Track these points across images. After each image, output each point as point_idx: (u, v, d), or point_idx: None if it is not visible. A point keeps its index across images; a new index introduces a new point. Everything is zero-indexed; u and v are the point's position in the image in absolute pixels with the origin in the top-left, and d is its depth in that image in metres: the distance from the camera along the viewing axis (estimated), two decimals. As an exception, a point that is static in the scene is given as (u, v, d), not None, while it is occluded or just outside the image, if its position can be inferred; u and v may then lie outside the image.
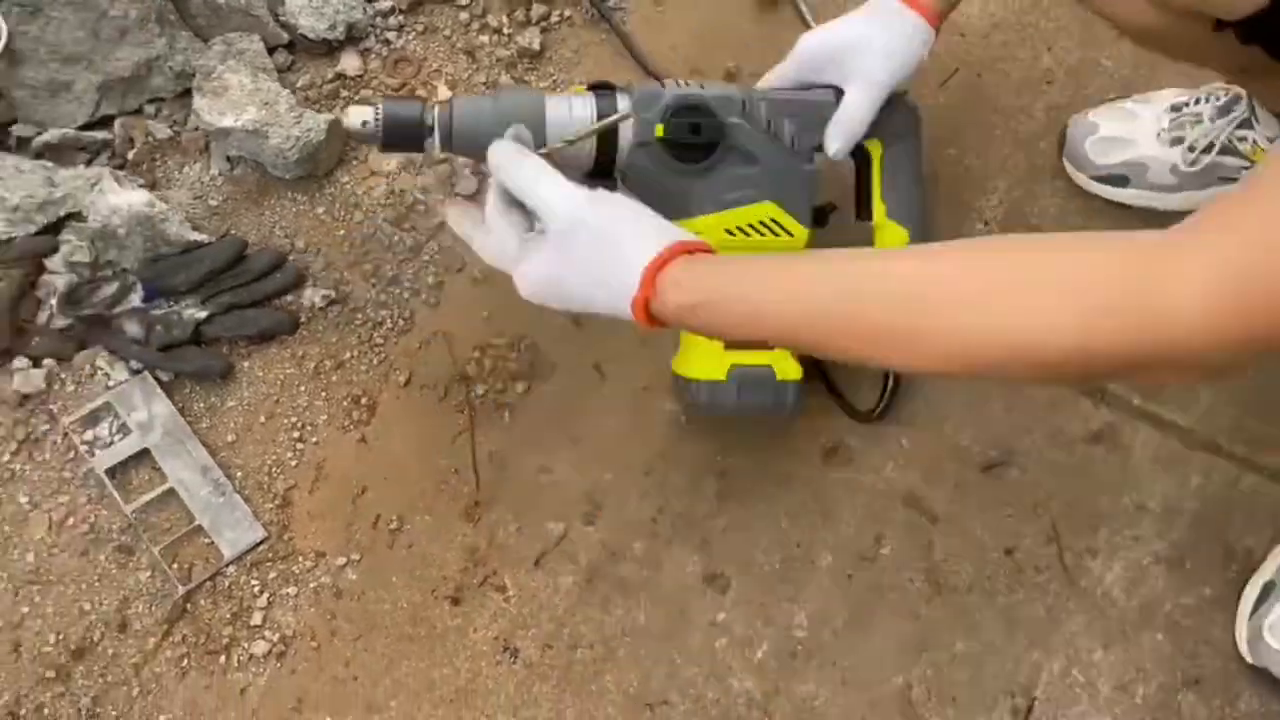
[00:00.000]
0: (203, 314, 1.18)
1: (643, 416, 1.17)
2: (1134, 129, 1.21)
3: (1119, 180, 1.21)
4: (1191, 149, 1.16)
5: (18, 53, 1.24)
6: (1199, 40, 0.89)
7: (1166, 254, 0.57)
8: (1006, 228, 1.24)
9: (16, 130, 1.25)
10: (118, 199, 1.17)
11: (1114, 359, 0.57)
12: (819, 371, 1.15)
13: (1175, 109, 1.19)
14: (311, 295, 1.21)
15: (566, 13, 1.37)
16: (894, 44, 0.98)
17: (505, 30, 1.35)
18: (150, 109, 1.30)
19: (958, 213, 1.25)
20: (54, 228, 1.21)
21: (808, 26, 1.31)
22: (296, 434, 1.17)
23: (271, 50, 1.32)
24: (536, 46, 1.34)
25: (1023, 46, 1.32)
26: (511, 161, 0.85)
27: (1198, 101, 1.18)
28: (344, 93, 1.32)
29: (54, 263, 1.20)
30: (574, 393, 1.19)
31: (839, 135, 1.01)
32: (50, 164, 1.23)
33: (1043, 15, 1.34)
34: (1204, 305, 0.54)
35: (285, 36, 1.33)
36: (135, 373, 1.17)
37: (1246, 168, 1.15)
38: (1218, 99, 1.16)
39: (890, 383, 1.14)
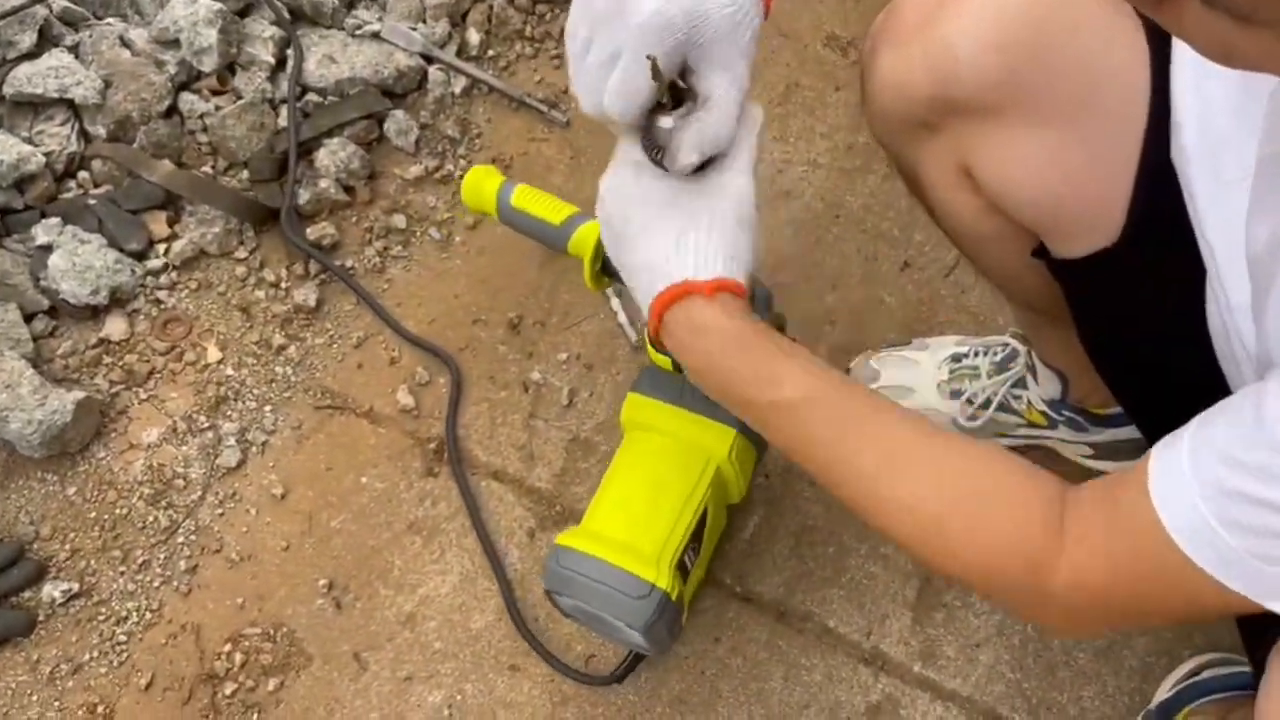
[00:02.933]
0: (-73, 619, 1.10)
1: (404, 714, 1.08)
2: (915, 377, 1.17)
3: (902, 430, 1.16)
4: (970, 402, 1.12)
5: None
6: (1012, 258, 0.84)
7: (1053, 544, 0.62)
8: (785, 480, 1.18)
9: None
10: None
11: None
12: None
13: (955, 359, 1.15)
14: (51, 590, 1.13)
15: (349, 263, 1.33)
16: (736, 14, 0.69)
17: (283, 284, 1.31)
18: (-107, 389, 1.23)
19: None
20: None
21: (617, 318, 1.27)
22: (20, 752, 1.07)
23: (30, 317, 1.27)
24: (312, 303, 1.29)
25: (808, 284, 1.29)
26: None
27: (976, 354, 1.14)
28: (107, 359, 1.26)
29: None
30: (331, 686, 1.10)
31: (694, 144, 0.70)
32: None
33: (828, 252, 1.32)
34: (1068, 605, 0.62)
35: (45, 303, 1.27)
36: None
37: (1023, 425, 1.11)
38: (996, 354, 1.13)
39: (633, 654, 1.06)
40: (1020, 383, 1.10)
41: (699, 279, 0.70)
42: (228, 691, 1.09)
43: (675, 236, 0.71)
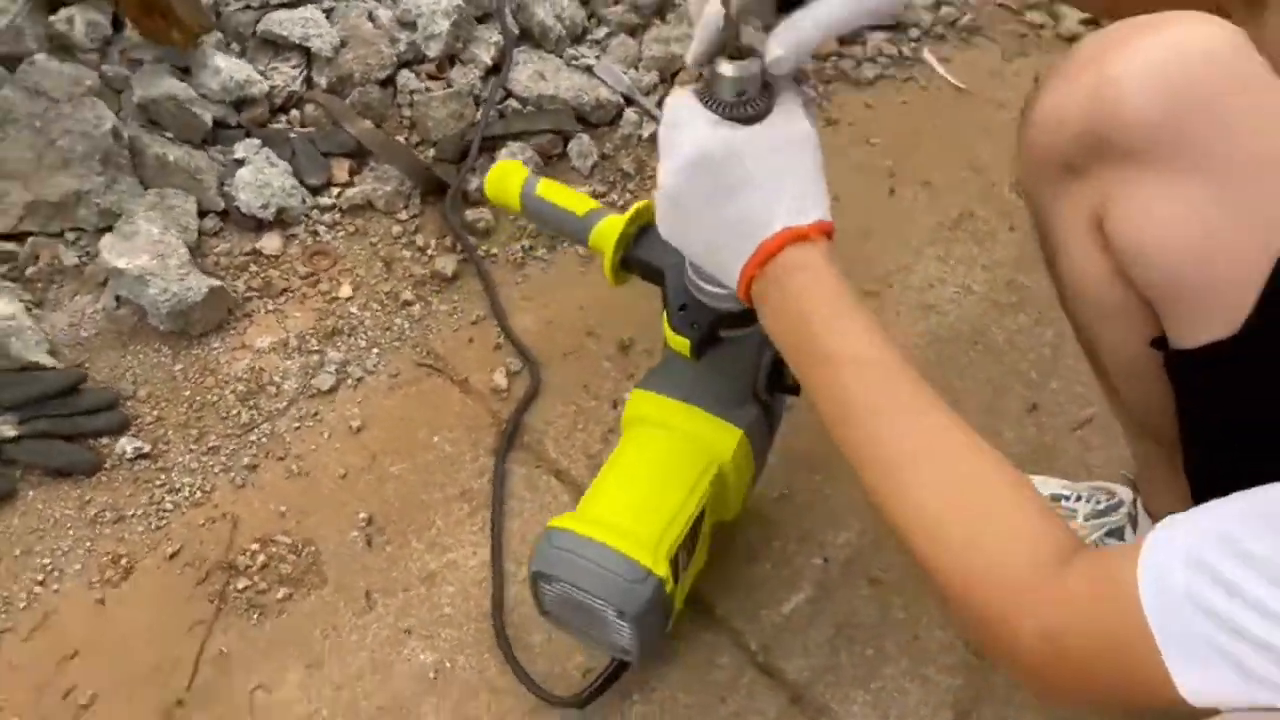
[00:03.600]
0: (12, 433, 1.16)
1: (392, 662, 1.06)
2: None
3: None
4: (1057, 538, 1.04)
5: (-33, 157, 1.32)
6: (1130, 343, 0.80)
7: (1038, 587, 0.59)
8: (846, 571, 1.12)
9: (-62, 225, 1.30)
10: (-20, 303, 1.19)
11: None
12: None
13: (1054, 498, 1.09)
14: (126, 444, 1.18)
15: (494, 250, 1.39)
16: None
17: (429, 251, 1.37)
18: (70, 235, 1.34)
19: (798, 539, 1.15)
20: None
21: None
22: (41, 577, 1.10)
23: (204, 214, 1.37)
24: (449, 273, 1.34)
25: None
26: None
27: (1078, 498, 1.07)
28: (253, 267, 1.34)
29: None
30: (334, 613, 1.09)
31: (786, 40, 0.68)
32: (-54, 258, 1.27)
33: (959, 374, 1.28)
34: (1034, 655, 0.59)
35: (221, 205, 1.37)
36: (-81, 471, 1.14)
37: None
38: (1098, 501, 1.05)
39: (606, 673, 1.00)
40: (1117, 532, 1.02)
41: (802, 224, 0.69)
42: (240, 585, 1.10)
43: (775, 185, 0.70)
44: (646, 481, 0.93)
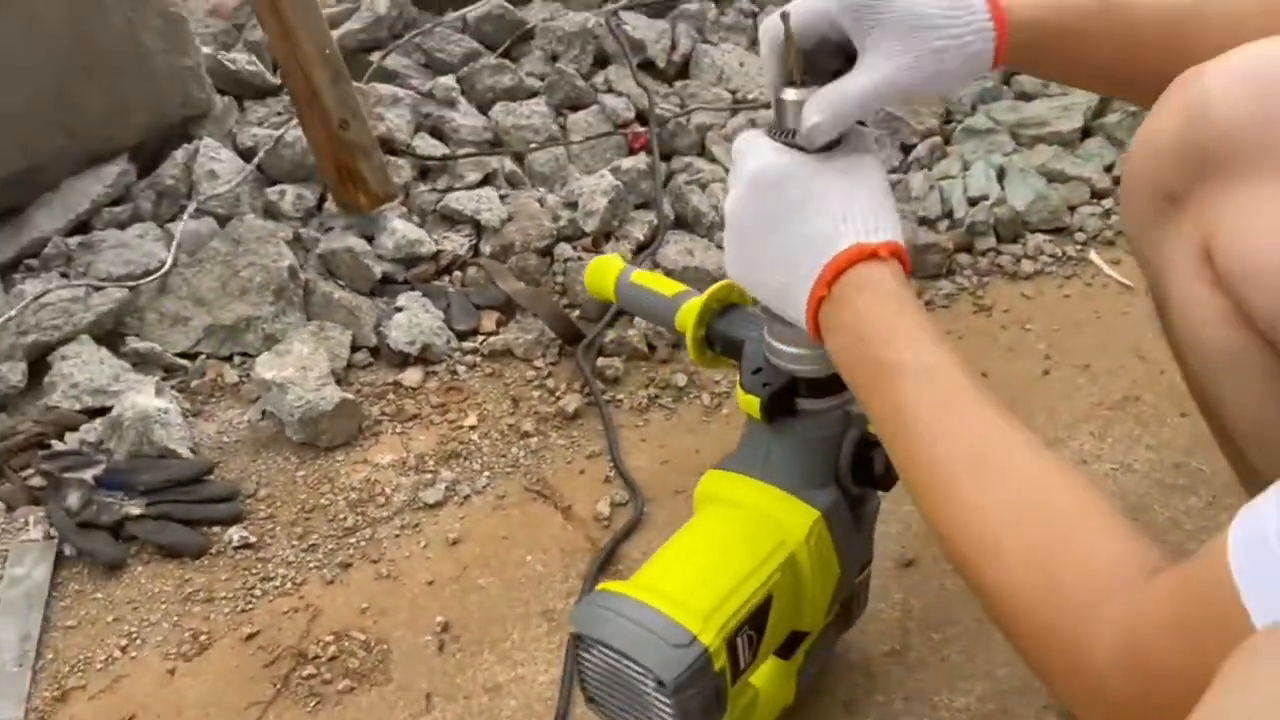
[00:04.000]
0: (137, 511, 1.21)
1: (437, 765, 0.98)
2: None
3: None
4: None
5: (167, 284, 1.48)
6: (1255, 401, 0.72)
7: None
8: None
9: (131, 342, 1.45)
10: (140, 398, 1.29)
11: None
12: None
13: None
14: (234, 533, 1.21)
15: (620, 396, 1.39)
16: (944, 18, 0.70)
17: (557, 393, 1.39)
18: (237, 360, 1.45)
19: (905, 697, 1.01)
20: (96, 411, 1.34)
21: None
22: (125, 642, 1.11)
23: (358, 349, 1.46)
24: (571, 411, 1.35)
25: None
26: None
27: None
28: (390, 395, 1.40)
29: (70, 437, 1.32)
30: (391, 711, 1.03)
31: (821, 108, 0.70)
32: (126, 365, 1.39)
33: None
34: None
35: (374, 341, 1.46)
36: (48, 537, 1.21)
37: None
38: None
39: None
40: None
41: (872, 241, 0.67)
42: (305, 673, 1.06)
43: (843, 204, 0.70)
44: (706, 555, 0.85)
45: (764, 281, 0.74)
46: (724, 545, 0.86)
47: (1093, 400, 1.37)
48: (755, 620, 0.82)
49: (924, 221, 1.65)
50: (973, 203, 1.67)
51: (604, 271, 1.03)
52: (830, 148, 0.73)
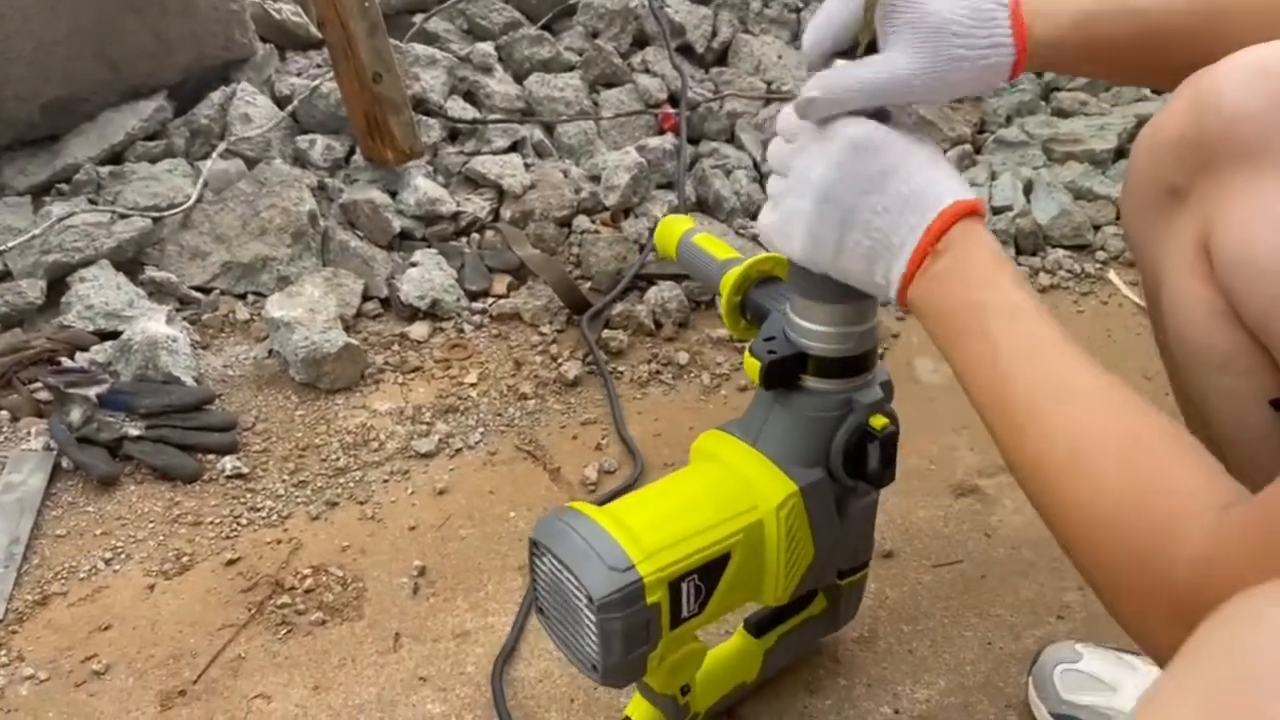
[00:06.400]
0: (135, 433, 1.24)
1: (397, 704, 0.99)
2: (1124, 678, 0.93)
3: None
4: None
5: (190, 219, 1.50)
6: (1244, 408, 0.72)
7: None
8: None
9: (149, 271, 1.47)
10: (150, 325, 1.31)
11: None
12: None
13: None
14: (227, 462, 1.23)
15: (621, 369, 1.40)
16: (966, 28, 0.70)
17: (559, 360, 1.40)
18: (250, 298, 1.48)
19: (868, 683, 1.01)
20: (108, 335, 1.37)
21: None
22: (110, 556, 1.13)
23: (369, 299, 1.48)
24: (571, 378, 1.36)
25: (1058, 579, 1.11)
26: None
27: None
28: (396, 346, 1.42)
29: (81, 356, 1.34)
30: (359, 646, 1.04)
31: (821, 86, 0.70)
32: (142, 293, 1.42)
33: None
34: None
35: (385, 292, 1.48)
36: (48, 448, 1.23)
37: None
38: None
39: None
40: None
41: (971, 199, 0.68)
42: (279, 602, 1.08)
43: (937, 166, 0.70)
44: (676, 500, 0.86)
45: (850, 248, 0.73)
46: (696, 496, 0.86)
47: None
48: (707, 573, 0.82)
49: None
50: (996, 212, 1.67)
51: (672, 229, 1.04)
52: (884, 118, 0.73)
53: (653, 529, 0.81)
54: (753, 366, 0.84)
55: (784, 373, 0.84)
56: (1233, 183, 0.65)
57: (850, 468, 0.88)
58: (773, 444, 0.88)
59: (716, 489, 0.86)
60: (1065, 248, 1.65)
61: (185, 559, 1.13)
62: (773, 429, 0.88)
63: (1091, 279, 1.62)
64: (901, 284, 0.70)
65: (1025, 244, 1.64)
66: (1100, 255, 1.65)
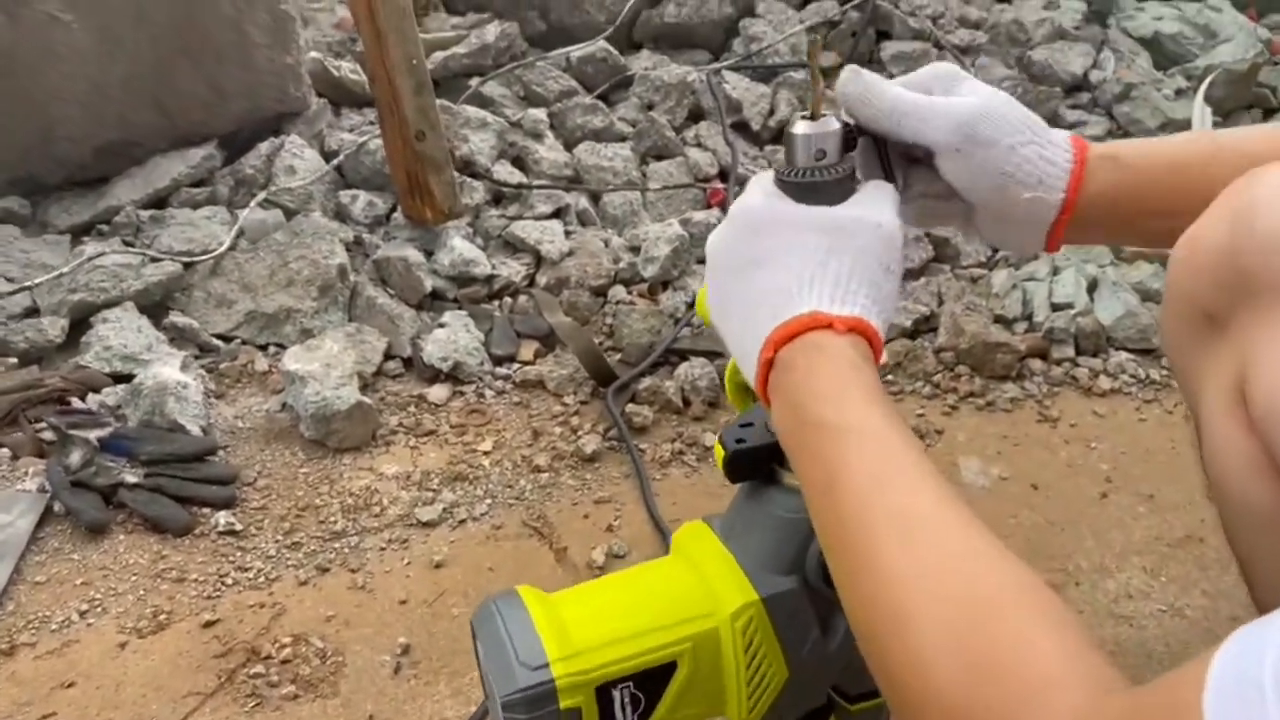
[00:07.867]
0: (132, 479, 1.20)
1: (359, 792, 0.91)
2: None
3: None
4: None
5: (220, 267, 1.48)
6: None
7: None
8: None
9: (173, 316, 1.45)
10: (163, 370, 1.28)
11: None
12: None
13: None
14: (221, 517, 1.18)
15: (644, 446, 1.33)
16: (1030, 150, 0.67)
17: (580, 433, 1.34)
18: (272, 347, 1.44)
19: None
20: (123, 378, 1.34)
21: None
22: (86, 608, 1.08)
23: (391, 358, 1.43)
24: (590, 451, 1.30)
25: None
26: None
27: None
28: (412, 408, 1.36)
29: (92, 398, 1.31)
30: (326, 727, 0.97)
31: (860, 82, 0.67)
32: (162, 338, 1.39)
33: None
34: None
35: (408, 352, 1.43)
36: (41, 490, 1.19)
37: None
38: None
39: None
40: None
41: (832, 313, 0.60)
42: (253, 671, 1.02)
43: (814, 266, 0.62)
44: (625, 596, 0.77)
45: (728, 326, 0.68)
46: (649, 595, 0.77)
47: (1151, 533, 1.25)
48: (646, 681, 0.74)
49: (999, 320, 1.56)
50: (1056, 309, 1.58)
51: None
52: (839, 200, 0.67)
53: (586, 625, 0.73)
54: (719, 454, 0.77)
55: (753, 464, 0.77)
56: (1269, 319, 0.57)
57: (829, 578, 0.79)
58: (743, 545, 0.79)
59: (673, 589, 0.78)
60: (1130, 350, 1.55)
61: (162, 617, 1.07)
62: (744, 529, 0.80)
63: (1156, 385, 1.51)
64: (758, 384, 0.62)
65: (1086, 344, 1.54)
66: (1165, 360, 1.55)
